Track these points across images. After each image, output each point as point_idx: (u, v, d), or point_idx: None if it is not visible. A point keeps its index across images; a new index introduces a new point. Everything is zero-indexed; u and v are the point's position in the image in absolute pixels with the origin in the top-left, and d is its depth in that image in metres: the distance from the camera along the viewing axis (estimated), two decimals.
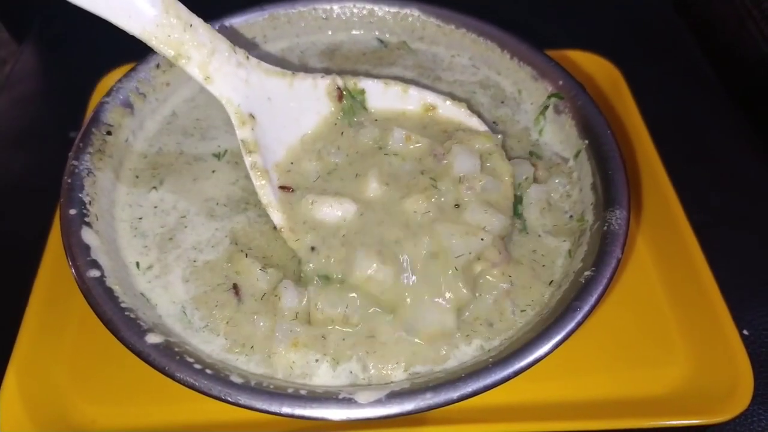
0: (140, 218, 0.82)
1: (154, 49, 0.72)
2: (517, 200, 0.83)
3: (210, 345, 0.72)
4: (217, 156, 0.89)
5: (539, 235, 0.81)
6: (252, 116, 0.79)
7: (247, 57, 0.79)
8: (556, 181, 0.85)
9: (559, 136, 0.90)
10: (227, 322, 0.74)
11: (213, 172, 0.87)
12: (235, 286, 0.76)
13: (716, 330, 0.83)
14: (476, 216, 0.77)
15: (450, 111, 0.88)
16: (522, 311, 0.75)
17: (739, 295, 0.86)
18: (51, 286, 0.87)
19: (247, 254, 0.78)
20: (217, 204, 0.84)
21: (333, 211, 0.77)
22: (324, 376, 0.71)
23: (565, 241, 0.81)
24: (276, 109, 0.82)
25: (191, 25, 0.73)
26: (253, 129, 0.79)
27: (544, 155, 0.89)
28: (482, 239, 0.75)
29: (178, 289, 0.77)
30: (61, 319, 0.86)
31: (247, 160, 0.79)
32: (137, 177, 0.86)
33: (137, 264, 0.78)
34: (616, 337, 0.85)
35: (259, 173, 0.79)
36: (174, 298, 0.76)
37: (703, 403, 0.78)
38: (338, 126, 0.86)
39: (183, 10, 0.72)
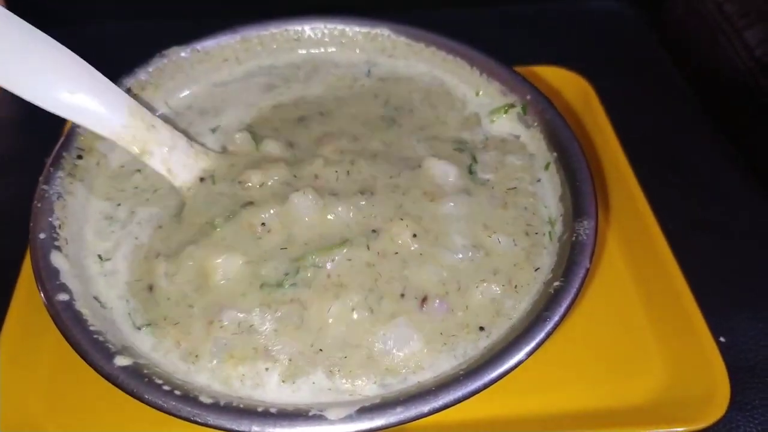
0: None
1: (122, 146, 0.79)
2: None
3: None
4: None
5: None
6: None
7: (206, 152, 0.85)
8: None
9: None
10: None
11: None
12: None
13: (692, 338, 0.83)
14: None
15: None
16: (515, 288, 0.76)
17: (714, 302, 0.86)
18: (25, 312, 0.86)
19: None
20: None
21: None
22: (276, 389, 0.69)
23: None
24: None
25: (153, 126, 0.80)
26: None
27: None
28: None
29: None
30: (36, 346, 0.85)
31: None
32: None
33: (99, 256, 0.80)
34: (592, 348, 0.85)
35: None
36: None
37: (681, 410, 0.78)
38: None
39: (146, 113, 0.80)
